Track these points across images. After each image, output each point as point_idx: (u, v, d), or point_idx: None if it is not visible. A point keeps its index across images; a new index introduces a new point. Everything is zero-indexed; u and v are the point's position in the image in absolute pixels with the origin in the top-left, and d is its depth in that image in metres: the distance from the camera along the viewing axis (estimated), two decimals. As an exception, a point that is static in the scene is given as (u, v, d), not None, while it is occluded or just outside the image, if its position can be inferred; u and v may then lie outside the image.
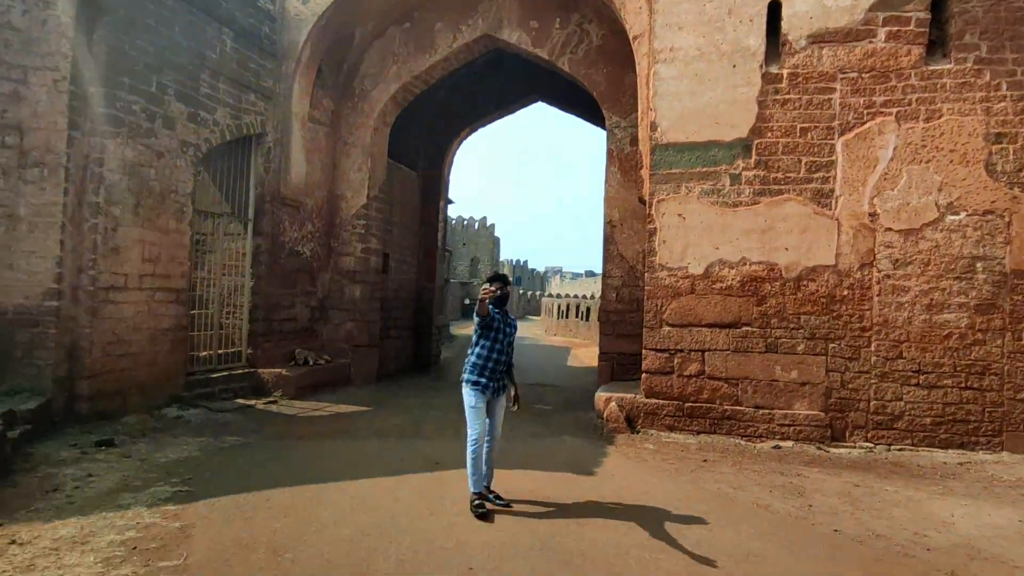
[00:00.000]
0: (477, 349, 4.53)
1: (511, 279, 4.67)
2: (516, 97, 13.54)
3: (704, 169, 7.43)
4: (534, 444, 6.92)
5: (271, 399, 8.57)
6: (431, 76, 10.79)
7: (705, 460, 6.21)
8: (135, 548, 3.59)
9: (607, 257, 9.49)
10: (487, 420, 4.52)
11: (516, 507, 4.55)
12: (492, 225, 60.57)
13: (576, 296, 35.35)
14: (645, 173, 7.80)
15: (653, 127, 7.61)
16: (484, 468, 4.50)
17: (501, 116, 13.85)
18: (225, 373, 8.38)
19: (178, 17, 7.29)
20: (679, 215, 7.50)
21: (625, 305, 9.36)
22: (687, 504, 4.82)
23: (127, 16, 6.64)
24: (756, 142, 7.28)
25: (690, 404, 7.33)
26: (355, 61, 10.72)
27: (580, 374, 15.58)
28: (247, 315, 9.02)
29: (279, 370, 8.99)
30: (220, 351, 8.64)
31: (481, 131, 14.39)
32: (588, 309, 30.67)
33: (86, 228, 6.40)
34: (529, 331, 36.29)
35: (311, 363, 9.70)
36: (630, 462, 6.14)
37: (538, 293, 70.64)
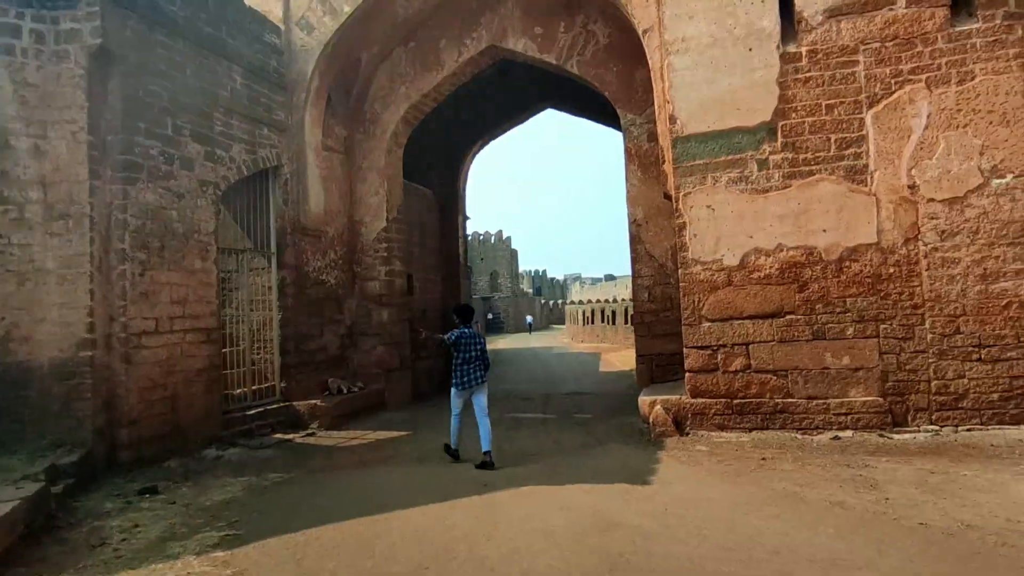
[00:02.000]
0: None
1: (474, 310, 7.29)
2: (525, 106, 13.47)
3: (729, 157, 7.21)
4: (584, 455, 6.69)
5: (308, 431, 8.47)
6: (439, 93, 10.75)
7: (764, 459, 5.92)
8: (189, 600, 3.46)
9: (635, 257, 9.27)
10: (461, 405, 6.63)
11: (578, 527, 4.33)
12: (508, 238, 60.64)
13: (601, 301, 35.02)
14: (668, 167, 7.60)
15: (672, 120, 7.42)
16: (480, 434, 6.39)
17: (511, 127, 13.80)
18: (260, 409, 8.31)
19: (188, 59, 7.32)
20: (708, 206, 7.27)
21: (658, 304, 9.12)
22: (756, 507, 4.56)
23: (139, 62, 6.67)
24: (781, 124, 7.05)
25: (739, 400, 7.05)
26: (364, 86, 10.73)
27: (614, 379, 15.30)
28: (278, 348, 8.97)
29: (314, 401, 8.90)
30: (254, 387, 8.58)
31: (492, 144, 14.30)
32: (614, 313, 30.34)
33: (114, 276, 6.39)
34: (555, 340, 35.97)
35: (345, 391, 9.60)
36: (685, 467, 5.88)
37: (560, 302, 70.36)
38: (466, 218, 14.82)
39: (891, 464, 5.50)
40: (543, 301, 65.04)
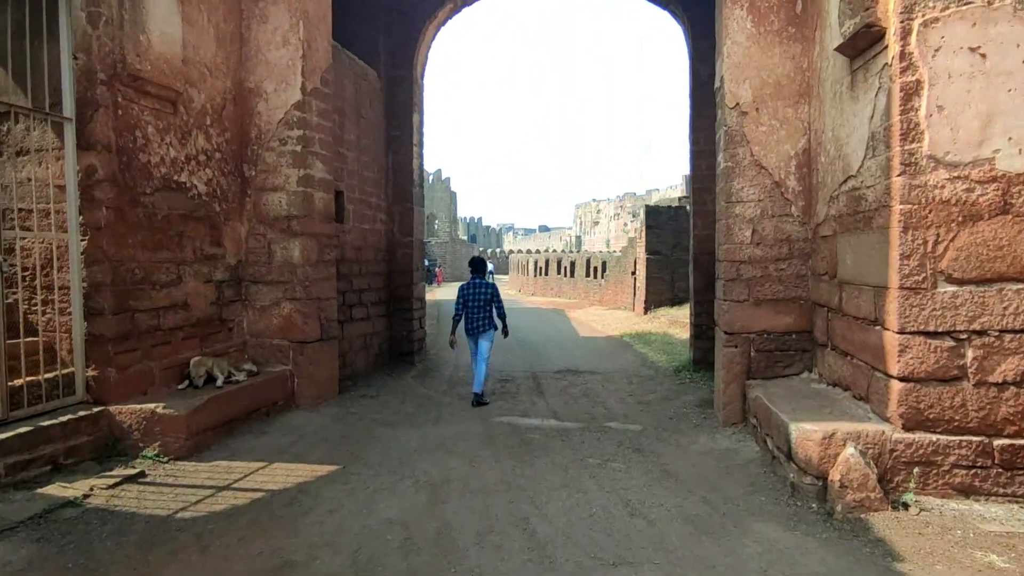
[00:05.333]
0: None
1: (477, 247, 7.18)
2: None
3: (1028, -54, 3.49)
4: (721, 566, 3.00)
5: (133, 469, 4.36)
6: None
7: None
8: None
9: (731, 167, 5.50)
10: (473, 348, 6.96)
11: None
12: (448, 179, 55.64)
13: (555, 250, 31.49)
14: (887, -32, 3.79)
15: None
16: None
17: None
18: (28, 428, 4.09)
19: None
20: (972, 49, 3.57)
21: (768, 249, 5.45)
22: None
23: None
24: None
25: (1006, 441, 3.58)
26: None
27: (610, 349, 11.85)
28: (80, 303, 4.68)
29: (153, 406, 4.73)
30: (24, 379, 4.32)
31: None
32: (573, 264, 26.93)
33: None
34: (502, 291, 32.12)
35: (220, 381, 5.45)
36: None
37: (497, 250, 66.64)
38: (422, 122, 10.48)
39: None
40: (480, 249, 61.10)
